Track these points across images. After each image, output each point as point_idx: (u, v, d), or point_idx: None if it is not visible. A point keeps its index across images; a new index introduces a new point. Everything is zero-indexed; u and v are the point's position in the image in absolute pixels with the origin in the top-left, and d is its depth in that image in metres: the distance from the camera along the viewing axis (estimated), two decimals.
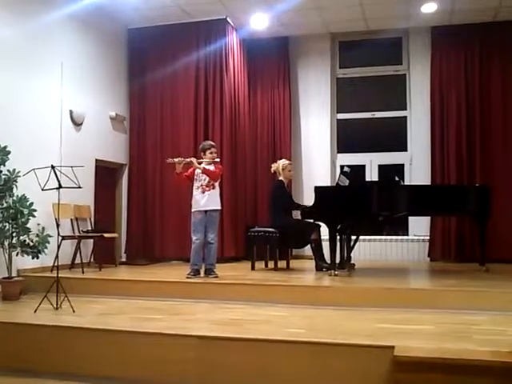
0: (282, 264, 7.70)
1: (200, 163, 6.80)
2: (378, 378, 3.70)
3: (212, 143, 7.05)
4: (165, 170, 8.58)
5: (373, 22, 9.26)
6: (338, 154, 10.12)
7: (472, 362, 3.47)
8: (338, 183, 7.43)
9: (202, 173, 6.72)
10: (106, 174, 8.90)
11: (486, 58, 9.06)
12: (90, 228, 8.06)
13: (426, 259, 9.17)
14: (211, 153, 6.85)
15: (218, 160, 6.96)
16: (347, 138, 10.13)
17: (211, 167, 6.79)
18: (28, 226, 6.35)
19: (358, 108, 10.12)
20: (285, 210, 7.73)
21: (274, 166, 7.90)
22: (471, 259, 8.31)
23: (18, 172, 6.31)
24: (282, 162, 7.87)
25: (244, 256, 8.94)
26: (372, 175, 9.85)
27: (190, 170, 6.88)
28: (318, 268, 7.31)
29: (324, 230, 7.16)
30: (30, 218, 6.37)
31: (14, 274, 6.42)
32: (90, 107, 8.40)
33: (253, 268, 7.57)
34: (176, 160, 6.80)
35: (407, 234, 9.64)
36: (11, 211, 6.23)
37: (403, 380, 3.58)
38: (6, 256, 6.26)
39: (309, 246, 7.55)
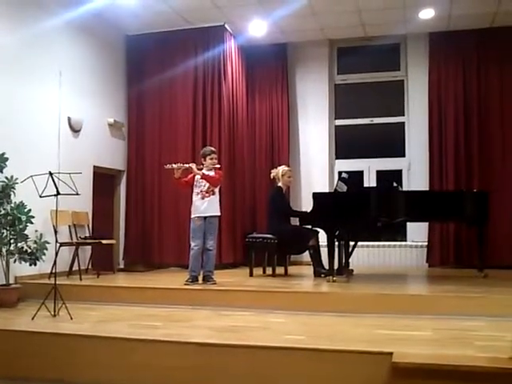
0: (280, 270, 7.69)
1: (200, 169, 6.79)
2: None
3: (213, 149, 7.04)
4: (163, 176, 8.58)
5: (371, 28, 9.29)
6: (337, 160, 10.13)
7: (471, 369, 3.46)
8: (336, 189, 7.42)
9: (202, 179, 6.71)
10: (104, 180, 8.88)
11: (484, 63, 9.09)
12: (87, 234, 8.03)
13: (424, 265, 9.16)
14: (211, 158, 6.84)
15: (218, 166, 6.96)
16: (345, 144, 10.14)
17: (211, 173, 6.79)
18: (26, 232, 6.34)
19: (356, 114, 10.13)
20: (283, 216, 7.73)
21: (273, 172, 7.91)
22: (470, 265, 8.30)
23: (16, 179, 6.31)
24: (282, 168, 7.88)
25: (242, 262, 8.94)
26: (370, 181, 9.85)
27: (190, 175, 6.87)
28: (317, 274, 7.31)
29: (322, 236, 7.17)
30: (28, 224, 6.36)
31: (11, 280, 6.40)
32: (88, 114, 8.40)
33: (251, 274, 7.56)
34: (175, 166, 6.78)
35: (405, 240, 9.64)
36: (9, 218, 6.22)
37: None
38: (4, 263, 6.25)
39: (307, 252, 7.54)
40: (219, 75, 8.99)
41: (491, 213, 7.46)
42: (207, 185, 6.71)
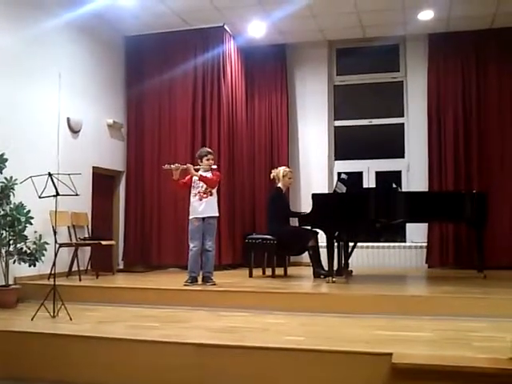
0: (279, 271, 7.69)
1: (197, 170, 6.79)
2: None
3: (209, 150, 7.04)
4: (162, 177, 8.58)
5: (370, 30, 9.29)
6: (336, 161, 10.13)
7: (471, 369, 3.45)
8: (335, 190, 7.43)
9: (199, 180, 6.71)
10: (103, 181, 8.88)
11: (483, 64, 9.10)
12: (87, 235, 8.03)
13: (423, 266, 9.16)
14: (208, 159, 6.83)
15: (215, 167, 6.95)
16: (345, 145, 10.15)
17: (208, 174, 6.78)
18: (25, 233, 6.33)
19: (355, 115, 10.13)
20: (282, 217, 7.72)
21: (274, 172, 7.88)
22: (469, 266, 8.30)
23: (15, 179, 6.30)
24: (283, 169, 7.86)
25: (241, 263, 8.94)
26: (369, 182, 9.85)
27: (188, 176, 6.87)
28: (316, 275, 7.30)
29: (321, 237, 7.17)
30: (27, 225, 6.35)
31: (10, 281, 6.39)
32: (88, 114, 8.40)
33: (250, 275, 7.56)
34: (173, 166, 6.78)
35: (405, 241, 9.64)
36: (8, 219, 6.22)
37: None
38: (3, 264, 6.24)
39: (306, 252, 7.54)
40: (218, 76, 8.99)
41: (490, 213, 7.46)
42: (205, 186, 6.71)
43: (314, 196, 7.05)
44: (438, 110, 9.23)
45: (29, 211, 6.36)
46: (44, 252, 6.48)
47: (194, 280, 6.66)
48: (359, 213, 6.84)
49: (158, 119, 9.27)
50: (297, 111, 10.15)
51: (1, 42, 6.78)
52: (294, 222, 7.65)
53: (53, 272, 5.90)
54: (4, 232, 6.23)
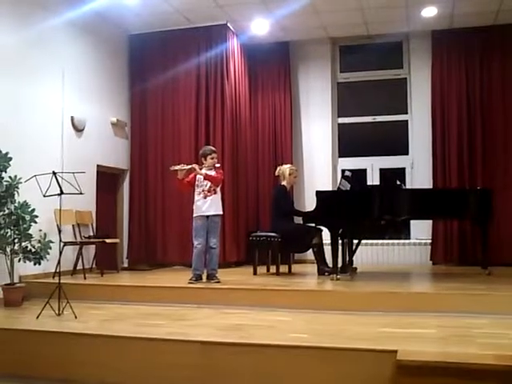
0: (283, 268, 7.69)
1: (201, 169, 6.80)
2: (381, 382, 3.69)
3: (213, 148, 7.05)
4: (166, 175, 8.58)
5: (373, 27, 9.27)
6: (340, 159, 10.12)
7: (475, 366, 3.45)
8: (339, 187, 7.43)
9: (204, 179, 6.72)
10: (107, 179, 8.90)
11: (487, 61, 9.07)
12: (91, 234, 8.05)
13: (428, 263, 9.15)
14: (212, 158, 6.84)
15: (218, 165, 6.97)
16: (348, 142, 10.13)
17: (212, 172, 6.79)
18: (30, 232, 6.34)
19: (358, 112, 10.12)
20: (286, 214, 7.72)
21: (280, 169, 7.86)
22: (473, 262, 8.28)
23: (20, 178, 6.31)
24: (289, 167, 7.84)
25: (246, 261, 8.93)
26: (373, 179, 9.84)
27: (191, 175, 6.88)
28: (320, 272, 7.31)
29: (326, 234, 7.17)
30: (32, 224, 6.37)
31: (16, 280, 6.42)
32: (92, 113, 8.41)
33: (255, 273, 7.56)
34: (178, 167, 6.80)
35: (409, 238, 9.63)
36: (13, 217, 6.23)
37: None
38: (8, 262, 6.26)
39: (311, 250, 7.54)
40: (222, 74, 8.99)
41: (495, 210, 7.44)
42: (209, 184, 6.72)
43: (318, 193, 7.06)
44: (441, 107, 9.21)
45: (33, 210, 6.38)
46: (49, 250, 6.50)
47: (198, 278, 6.67)
48: (363, 210, 6.84)
49: (161, 117, 9.28)
50: (300, 109, 10.13)
51: (4, 40, 6.79)
52: (299, 219, 7.65)
53: (58, 270, 5.91)
54: (9, 231, 6.24)
